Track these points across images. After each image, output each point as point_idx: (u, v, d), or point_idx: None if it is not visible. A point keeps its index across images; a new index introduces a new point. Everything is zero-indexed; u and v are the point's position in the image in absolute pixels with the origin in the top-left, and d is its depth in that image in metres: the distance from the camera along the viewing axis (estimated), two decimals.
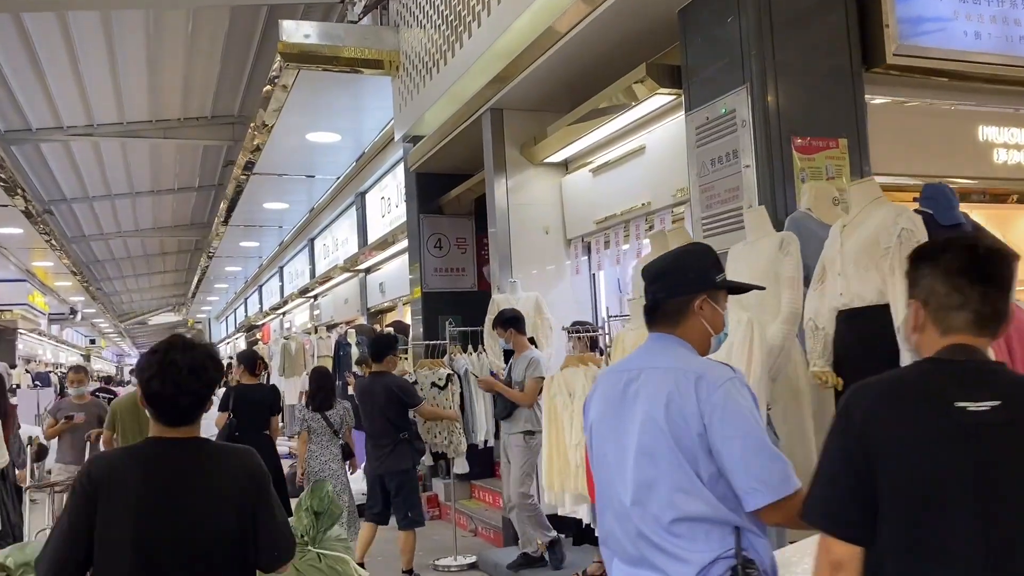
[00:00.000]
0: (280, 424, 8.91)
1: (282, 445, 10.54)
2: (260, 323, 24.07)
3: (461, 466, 6.61)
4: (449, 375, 6.51)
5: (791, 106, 4.48)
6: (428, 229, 8.89)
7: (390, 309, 12.72)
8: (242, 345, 27.72)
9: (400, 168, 11.42)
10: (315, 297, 17.25)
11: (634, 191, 5.94)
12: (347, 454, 6.83)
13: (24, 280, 21.02)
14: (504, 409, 5.88)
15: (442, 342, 7.01)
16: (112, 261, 22.76)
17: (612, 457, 2.04)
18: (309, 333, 16.35)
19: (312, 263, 17.48)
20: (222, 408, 6.52)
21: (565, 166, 7.05)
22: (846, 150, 4.58)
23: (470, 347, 7.01)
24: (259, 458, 2.30)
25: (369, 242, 12.89)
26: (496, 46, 6.13)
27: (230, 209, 14.82)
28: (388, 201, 12.13)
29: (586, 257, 6.88)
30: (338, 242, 15.28)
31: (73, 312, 28.57)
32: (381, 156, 11.62)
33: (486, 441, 6.76)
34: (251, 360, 7.04)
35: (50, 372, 25.59)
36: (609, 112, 5.75)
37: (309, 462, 6.49)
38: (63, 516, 2.12)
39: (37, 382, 20.93)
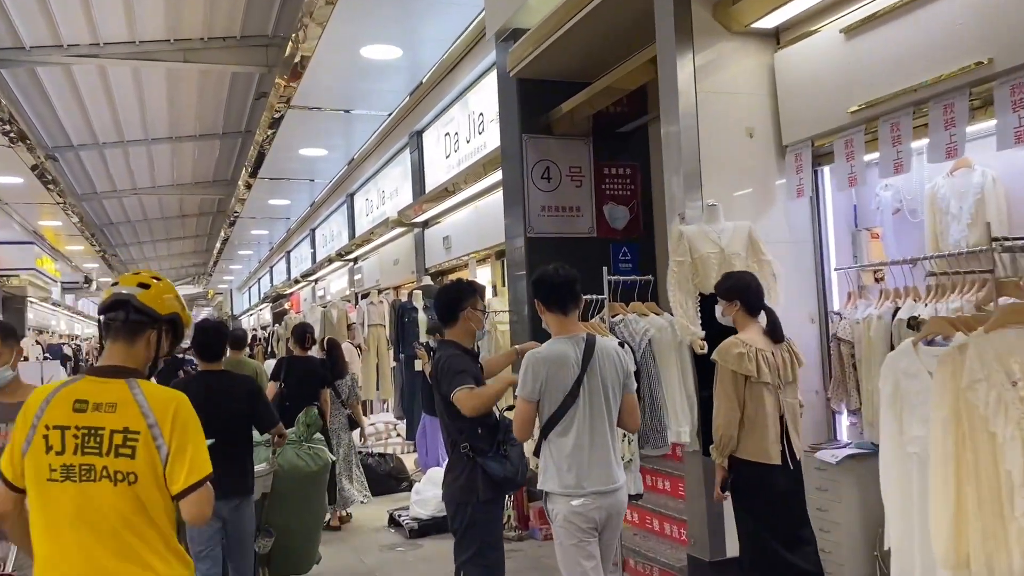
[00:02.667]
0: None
1: None
2: (288, 292, 21.85)
3: (634, 484, 4.31)
4: (620, 345, 4.20)
5: None
6: (534, 154, 6.57)
7: (455, 269, 10.42)
8: (267, 317, 25.60)
9: (473, 96, 9.12)
10: (355, 260, 14.97)
11: (948, 48, 3.60)
12: (353, 424, 7.45)
13: (31, 243, 18.79)
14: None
15: (597, 297, 4.70)
16: (127, 224, 20.53)
17: None
18: (349, 300, 14.14)
19: (351, 222, 15.18)
20: (273, 378, 6.84)
21: (776, 37, 4.70)
22: None
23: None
24: (255, 381, 4.82)
25: (427, 190, 10.57)
26: None
27: (260, 157, 12.54)
28: (454, 138, 9.79)
29: (815, 171, 4.54)
30: (385, 194, 12.95)
31: (88, 281, 26.39)
32: (445, 84, 9.31)
33: (674, 444, 4.45)
34: (300, 333, 7.16)
35: (64, 344, 23.52)
36: None
37: None
38: None
39: (47, 355, 18.84)
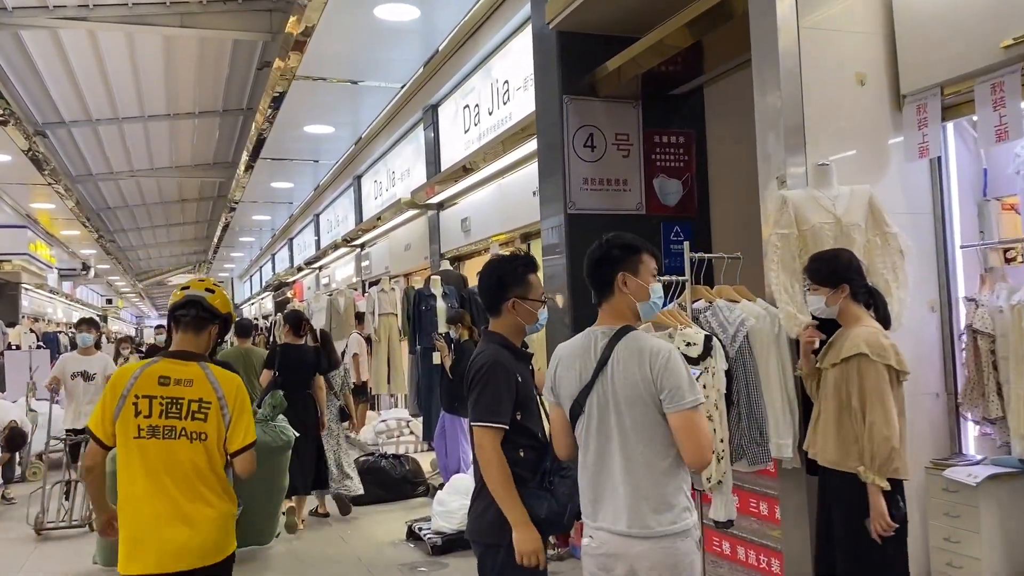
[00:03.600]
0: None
1: None
2: (291, 280, 21.03)
3: (724, 509, 3.47)
4: (708, 339, 3.37)
5: None
6: (575, 119, 5.71)
7: (476, 254, 9.57)
8: (269, 305, 24.81)
9: (497, 62, 8.29)
10: (362, 246, 14.14)
11: None
12: (344, 416, 7.32)
13: (24, 226, 17.94)
14: None
15: (677, 278, 3.82)
16: (125, 208, 19.67)
17: None
18: (355, 288, 13.33)
19: (358, 206, 14.34)
20: (267, 366, 6.70)
21: None
22: None
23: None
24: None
25: (443, 168, 9.73)
26: None
27: (262, 133, 11.68)
28: (474, 111, 8.95)
29: (941, 127, 3.70)
30: (395, 175, 12.11)
31: (86, 268, 25.54)
32: (466, 49, 8.47)
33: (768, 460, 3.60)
34: (296, 321, 7.00)
35: (59, 332, 22.69)
36: None
37: None
38: None
39: (41, 343, 18.03)
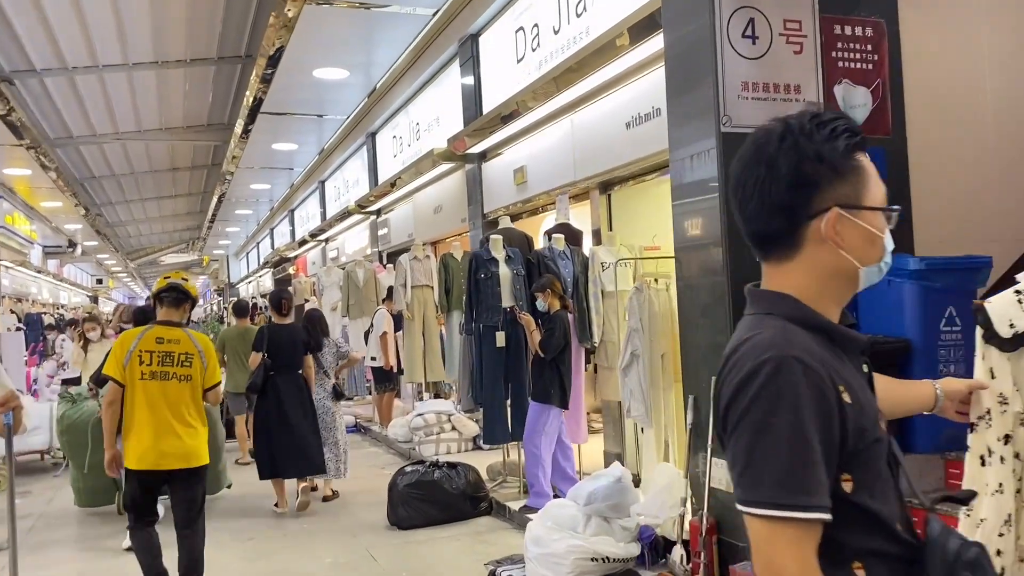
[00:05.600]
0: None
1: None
2: (292, 255, 19.19)
3: None
4: None
5: None
6: None
7: (532, 212, 7.80)
8: (268, 283, 23.01)
9: None
10: (378, 213, 12.33)
11: None
12: (338, 395, 6.92)
13: None
14: None
15: None
16: (111, 178, 17.75)
17: None
18: (371, 260, 11.56)
19: (373, 167, 12.51)
20: (256, 348, 6.46)
21: None
22: None
23: None
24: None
25: (486, 110, 7.95)
26: None
27: (264, 79, 9.86)
28: (531, 33, 7.15)
29: None
30: (419, 128, 10.28)
31: (72, 245, 23.59)
32: None
33: None
34: (276, 300, 6.83)
35: (43, 313, 20.84)
36: None
37: None
38: None
39: (21, 325, 16.19)
